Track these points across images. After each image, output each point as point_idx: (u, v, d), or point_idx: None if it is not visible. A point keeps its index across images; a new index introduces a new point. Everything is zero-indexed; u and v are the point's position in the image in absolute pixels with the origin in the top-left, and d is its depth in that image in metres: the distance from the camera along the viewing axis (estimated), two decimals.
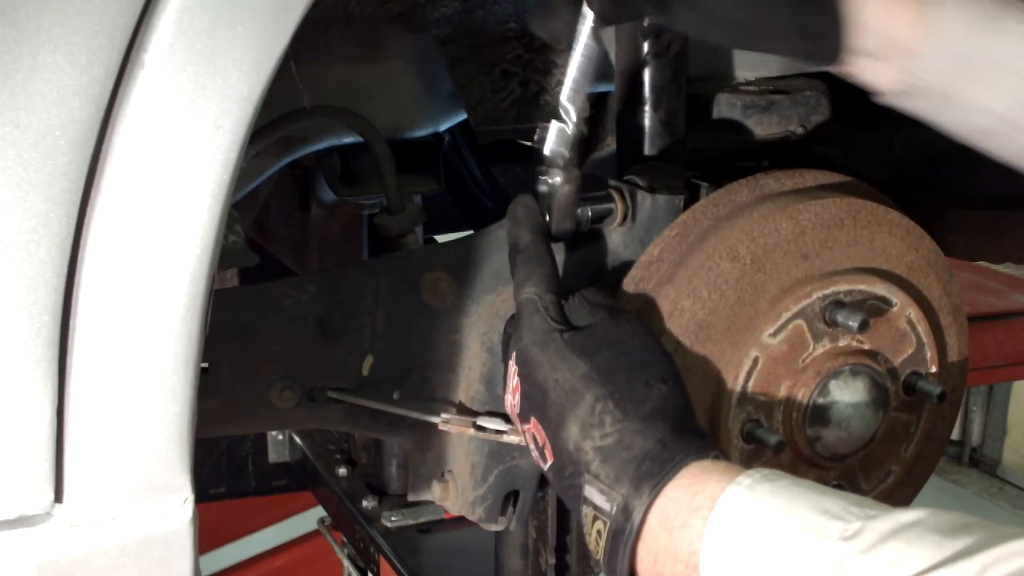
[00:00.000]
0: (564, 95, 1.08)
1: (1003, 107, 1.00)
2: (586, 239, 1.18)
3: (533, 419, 0.98)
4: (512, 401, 1.02)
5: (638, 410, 0.92)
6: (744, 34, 1.03)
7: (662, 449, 0.89)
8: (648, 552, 0.87)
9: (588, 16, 1.05)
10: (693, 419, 0.96)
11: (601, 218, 1.17)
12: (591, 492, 0.91)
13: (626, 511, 0.88)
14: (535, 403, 0.98)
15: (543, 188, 1.11)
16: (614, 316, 1.02)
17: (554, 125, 1.09)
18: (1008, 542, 0.71)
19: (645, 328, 1.02)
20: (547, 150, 1.09)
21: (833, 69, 1.02)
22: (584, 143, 1.31)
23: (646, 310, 1.13)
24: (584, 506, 0.92)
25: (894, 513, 0.77)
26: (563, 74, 1.31)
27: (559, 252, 1.14)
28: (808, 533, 0.78)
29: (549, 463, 0.97)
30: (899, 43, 0.98)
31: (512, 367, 1.02)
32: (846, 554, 0.75)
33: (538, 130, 1.10)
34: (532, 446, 1.00)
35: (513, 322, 1.05)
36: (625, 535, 0.87)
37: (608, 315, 1.01)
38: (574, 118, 1.08)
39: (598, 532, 0.90)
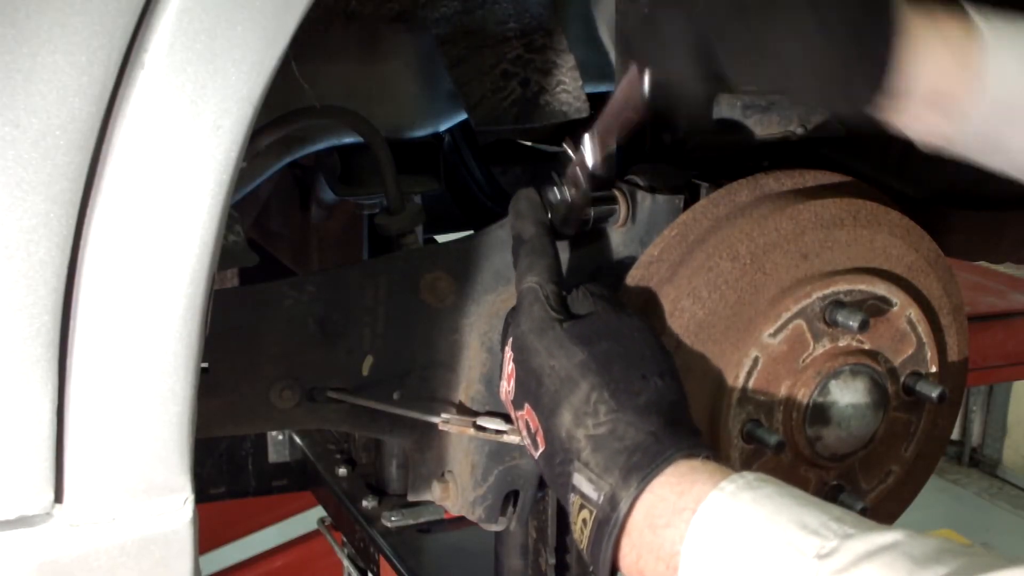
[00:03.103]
0: (599, 126, 1.09)
1: None
2: (586, 238, 1.18)
3: (527, 405, 0.98)
4: (506, 387, 1.02)
5: (633, 402, 0.92)
6: (798, 84, 0.99)
7: (654, 442, 0.89)
8: (632, 548, 0.87)
9: (636, 75, 1.04)
10: (687, 416, 0.96)
11: (604, 218, 1.17)
12: (580, 480, 0.91)
13: (612, 501, 0.88)
14: (529, 390, 0.98)
15: (553, 198, 1.12)
16: (615, 309, 1.02)
17: (588, 144, 1.08)
18: (981, 574, 0.70)
19: (645, 323, 1.02)
20: (577, 168, 1.09)
21: (882, 117, 0.98)
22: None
23: (646, 310, 1.13)
24: (572, 494, 0.92)
25: (872, 533, 0.77)
26: (563, 74, 1.32)
27: (561, 250, 1.14)
28: (785, 548, 0.78)
29: (540, 450, 0.97)
30: (947, 93, 0.95)
31: (508, 353, 1.02)
32: (820, 573, 0.75)
33: (569, 142, 1.10)
34: (524, 433, 1.00)
35: (513, 312, 1.05)
36: (610, 525, 0.87)
37: (609, 307, 1.01)
38: (598, 155, 1.08)
39: (583, 521, 0.90)
